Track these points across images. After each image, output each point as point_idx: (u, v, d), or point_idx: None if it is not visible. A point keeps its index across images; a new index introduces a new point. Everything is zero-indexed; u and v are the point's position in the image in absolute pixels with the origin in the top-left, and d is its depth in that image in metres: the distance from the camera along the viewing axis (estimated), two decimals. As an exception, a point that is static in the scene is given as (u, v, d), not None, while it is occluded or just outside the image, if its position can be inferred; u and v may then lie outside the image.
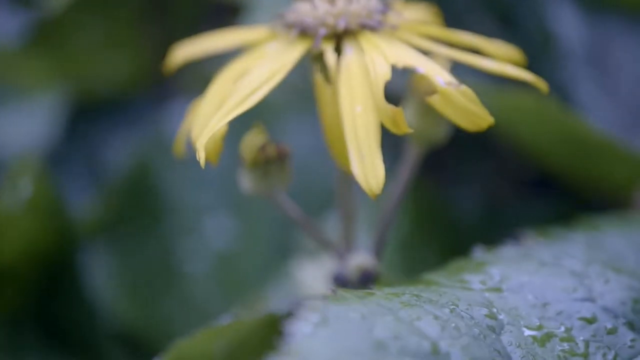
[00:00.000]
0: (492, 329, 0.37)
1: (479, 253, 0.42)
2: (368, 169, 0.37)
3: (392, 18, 0.42)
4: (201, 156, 0.37)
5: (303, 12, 0.41)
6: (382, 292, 0.36)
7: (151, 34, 0.76)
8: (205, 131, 0.38)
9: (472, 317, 0.36)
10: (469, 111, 0.39)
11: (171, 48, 0.45)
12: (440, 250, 0.63)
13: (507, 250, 0.42)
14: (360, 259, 0.44)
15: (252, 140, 0.42)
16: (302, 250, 0.58)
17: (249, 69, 0.40)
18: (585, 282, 0.40)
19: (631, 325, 0.39)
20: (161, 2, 0.78)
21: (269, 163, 0.43)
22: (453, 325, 0.35)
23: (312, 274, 0.50)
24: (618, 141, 0.56)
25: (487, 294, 0.38)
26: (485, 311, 0.37)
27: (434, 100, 0.39)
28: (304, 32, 0.41)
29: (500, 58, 0.44)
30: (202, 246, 0.67)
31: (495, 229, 0.65)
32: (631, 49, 0.72)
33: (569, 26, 0.72)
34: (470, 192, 0.67)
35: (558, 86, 0.71)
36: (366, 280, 0.44)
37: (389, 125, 0.38)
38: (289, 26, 0.41)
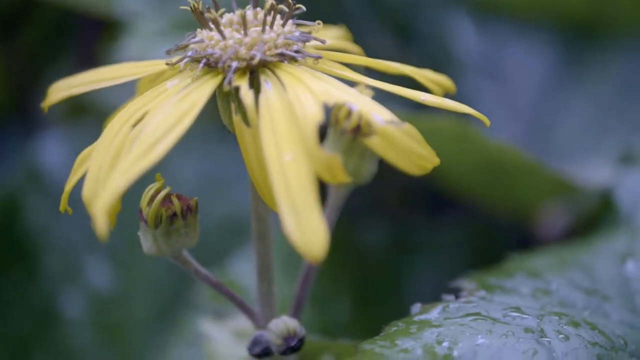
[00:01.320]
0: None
1: (417, 310, 0.37)
2: (306, 228, 0.31)
3: (312, 47, 0.36)
4: (100, 224, 0.31)
5: (209, 42, 0.35)
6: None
7: (9, 57, 0.68)
8: (103, 193, 0.31)
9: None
10: (413, 152, 0.33)
11: (50, 85, 0.38)
12: (352, 298, 0.57)
13: (453, 307, 0.37)
14: (284, 324, 0.38)
15: (153, 195, 0.36)
16: (203, 306, 0.51)
17: (148, 110, 0.34)
18: (544, 341, 0.35)
19: (603, 388, 0.34)
20: (15, 20, 0.70)
21: (174, 219, 0.36)
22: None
23: (221, 337, 0.44)
24: (533, 158, 0.52)
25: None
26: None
27: (372, 142, 0.33)
28: (212, 65, 0.35)
29: (430, 86, 0.39)
30: (81, 289, 0.60)
31: (405, 259, 0.61)
32: (521, 57, 0.70)
33: (466, 39, 0.69)
34: (375, 226, 0.63)
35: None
36: (292, 348, 0.38)
37: (325, 175, 0.32)
38: (193, 59, 0.35)
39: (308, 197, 0.31)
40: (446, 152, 0.57)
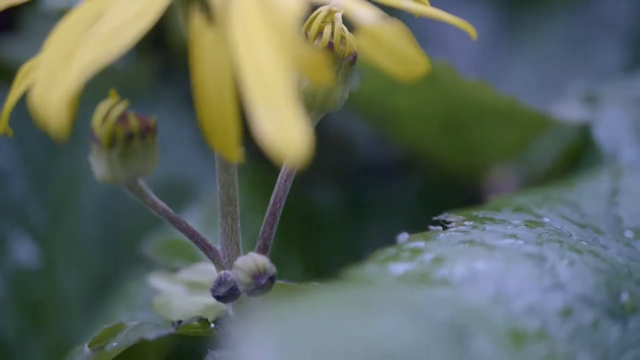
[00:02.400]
0: (454, 337, 0.28)
1: (404, 239, 0.33)
2: (284, 123, 0.27)
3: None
4: (54, 124, 0.26)
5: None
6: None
7: None
8: (54, 90, 0.27)
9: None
10: (403, 54, 0.30)
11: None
12: (304, 260, 0.54)
13: (444, 236, 0.33)
14: (253, 261, 0.34)
15: (108, 111, 0.32)
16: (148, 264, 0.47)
17: (103, 10, 0.30)
18: (547, 265, 0.32)
19: (613, 315, 0.31)
20: None
21: (131, 140, 0.32)
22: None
23: (175, 289, 0.40)
24: (510, 96, 0.49)
25: (438, 290, 0.29)
26: (446, 312, 0.28)
27: (360, 43, 0.30)
28: (176, -38, 0.31)
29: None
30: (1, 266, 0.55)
31: (357, 219, 0.58)
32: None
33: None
34: (326, 187, 0.59)
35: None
36: (262, 286, 0.34)
37: (308, 73, 0.28)
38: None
39: (285, 91, 0.28)
40: (405, 108, 0.54)
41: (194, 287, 0.40)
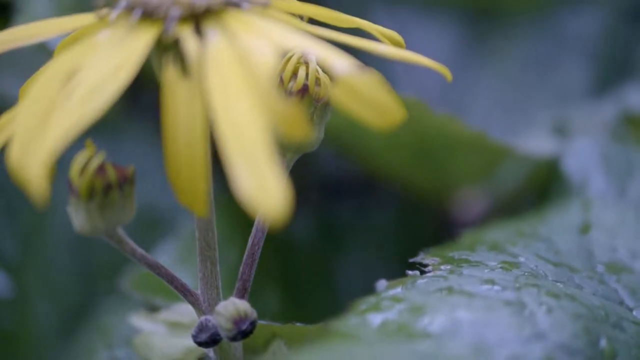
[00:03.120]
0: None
1: (383, 287, 0.34)
2: (263, 184, 0.27)
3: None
4: (35, 189, 0.26)
5: (145, -12, 0.31)
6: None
7: None
8: (38, 149, 0.27)
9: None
10: (379, 103, 0.30)
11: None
12: (281, 288, 0.54)
13: (422, 283, 0.33)
14: (234, 306, 0.34)
15: (86, 162, 0.32)
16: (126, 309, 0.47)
17: (78, 65, 0.30)
18: (526, 313, 0.32)
19: (593, 363, 0.31)
20: None
21: (110, 191, 0.32)
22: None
23: (156, 328, 0.40)
24: (477, 130, 0.50)
25: (420, 343, 0.29)
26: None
27: (334, 93, 0.30)
28: (149, 14, 0.31)
29: (383, 40, 0.36)
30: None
31: (333, 246, 0.58)
32: (426, 40, 0.68)
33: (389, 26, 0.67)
34: (300, 214, 0.59)
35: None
36: (244, 332, 0.34)
37: (285, 127, 0.28)
38: (128, 8, 0.31)
39: (264, 150, 0.28)
40: (377, 140, 0.54)
41: (175, 327, 0.40)
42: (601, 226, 0.41)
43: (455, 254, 0.38)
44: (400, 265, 0.58)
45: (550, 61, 0.65)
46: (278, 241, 0.56)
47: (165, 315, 0.40)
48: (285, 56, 0.33)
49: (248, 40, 0.30)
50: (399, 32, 0.70)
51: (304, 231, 0.58)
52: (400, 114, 0.30)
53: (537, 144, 0.50)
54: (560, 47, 0.65)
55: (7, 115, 0.32)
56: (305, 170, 0.62)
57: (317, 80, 0.35)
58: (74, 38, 0.34)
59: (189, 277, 0.49)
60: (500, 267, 0.36)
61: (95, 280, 0.56)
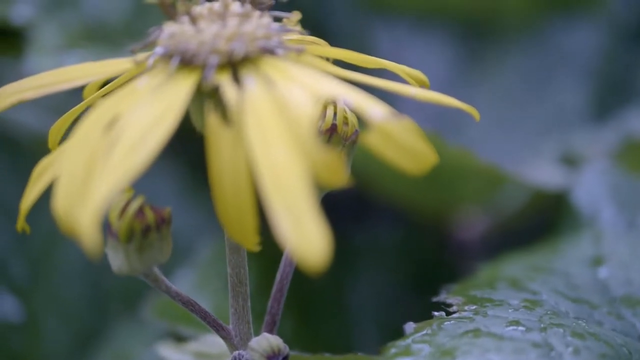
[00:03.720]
0: None
1: (411, 329, 0.35)
2: (307, 232, 0.28)
3: (292, 39, 0.33)
4: (89, 238, 0.27)
5: (182, 36, 0.32)
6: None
7: None
8: (88, 204, 0.28)
9: None
10: (414, 150, 0.31)
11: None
12: (294, 313, 0.55)
13: (449, 325, 0.34)
14: (267, 341, 0.35)
15: (124, 205, 0.33)
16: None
17: (119, 113, 0.31)
18: (553, 355, 0.33)
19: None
20: None
21: (148, 233, 0.33)
22: None
23: (183, 359, 0.40)
24: (491, 163, 0.50)
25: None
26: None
27: (369, 139, 0.30)
28: (188, 62, 0.32)
29: (409, 80, 0.37)
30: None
31: (343, 269, 0.59)
32: (422, 56, 0.69)
33: (377, 41, 0.67)
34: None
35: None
36: (277, 367, 0.35)
37: (323, 175, 0.29)
38: (167, 54, 0.32)
39: (306, 199, 0.29)
40: (389, 171, 0.55)
41: (203, 358, 0.41)
42: (614, 259, 0.42)
43: (478, 293, 0.39)
44: (410, 288, 0.59)
45: (547, 77, 0.66)
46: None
47: (193, 346, 0.41)
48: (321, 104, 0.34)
49: (285, 88, 0.30)
50: (396, 49, 0.71)
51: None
52: (433, 159, 0.31)
53: (545, 174, 0.51)
54: (556, 63, 0.66)
55: (45, 161, 0.33)
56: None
57: (345, 119, 0.36)
58: (97, 86, 0.35)
59: (207, 304, 0.50)
60: (524, 307, 0.37)
61: (106, 304, 0.57)
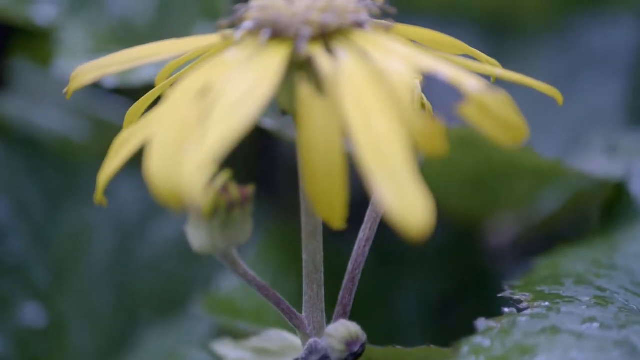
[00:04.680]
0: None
1: (483, 326, 0.34)
2: (410, 198, 0.28)
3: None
4: (195, 201, 0.27)
5: (274, 7, 0.32)
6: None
7: None
8: (187, 165, 0.27)
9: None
10: (509, 122, 0.30)
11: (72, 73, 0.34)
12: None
13: (523, 321, 0.34)
14: (346, 328, 0.34)
15: (211, 180, 0.32)
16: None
17: (211, 82, 0.30)
18: (636, 354, 0.32)
19: None
20: None
21: (232, 209, 0.32)
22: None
23: (243, 355, 0.39)
24: (552, 159, 0.50)
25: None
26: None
27: (466, 111, 0.30)
28: (279, 34, 0.31)
29: (483, 59, 0.36)
30: (6, 326, 0.54)
31: (386, 269, 0.58)
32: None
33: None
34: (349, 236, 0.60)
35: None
36: (355, 354, 0.34)
37: (423, 144, 0.29)
38: (257, 27, 0.31)
39: (407, 167, 0.28)
40: (431, 162, 0.54)
41: (263, 353, 0.40)
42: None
43: (545, 288, 0.38)
44: (452, 292, 0.58)
45: (575, 78, 0.65)
46: (333, 266, 0.56)
47: (253, 342, 0.40)
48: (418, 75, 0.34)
49: (380, 58, 0.30)
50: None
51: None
52: (526, 132, 0.31)
53: (601, 166, 0.50)
54: (584, 62, 0.65)
55: (126, 133, 0.32)
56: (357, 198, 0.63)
57: (423, 106, 0.36)
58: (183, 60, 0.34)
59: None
60: (595, 303, 0.36)
61: (135, 307, 0.56)
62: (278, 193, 0.65)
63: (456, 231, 0.59)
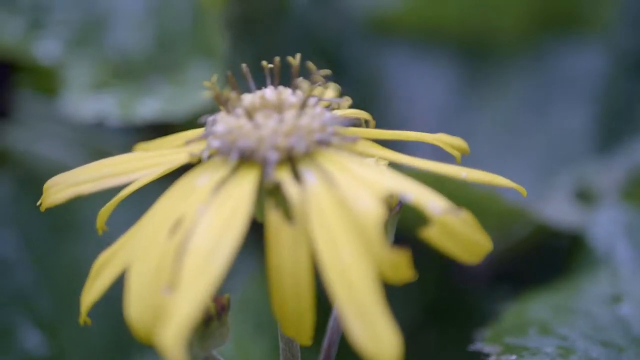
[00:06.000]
0: None
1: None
2: (378, 334, 0.29)
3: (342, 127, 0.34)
4: (176, 355, 0.28)
5: (239, 130, 0.32)
6: None
7: None
8: (171, 324, 0.28)
9: None
10: (471, 241, 0.32)
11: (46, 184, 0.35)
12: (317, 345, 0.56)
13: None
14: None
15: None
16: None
17: (184, 214, 0.31)
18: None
19: None
20: None
21: (210, 322, 0.34)
22: None
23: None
24: (518, 205, 0.51)
25: None
26: None
27: (428, 232, 0.31)
28: (246, 157, 0.32)
29: (449, 150, 0.38)
30: (10, 355, 0.56)
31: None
32: (423, 79, 0.70)
33: (389, 66, 0.68)
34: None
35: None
36: None
37: (389, 274, 0.30)
38: (224, 150, 0.32)
39: (375, 301, 0.30)
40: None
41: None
42: (632, 297, 0.43)
43: (512, 340, 0.40)
44: (423, 317, 0.59)
45: (547, 101, 0.67)
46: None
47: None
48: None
49: (347, 185, 0.31)
50: (398, 72, 0.71)
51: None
52: (488, 248, 0.32)
53: (561, 212, 0.52)
54: (556, 86, 0.66)
55: (106, 255, 0.33)
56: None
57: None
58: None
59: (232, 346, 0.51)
60: (559, 354, 0.39)
61: (129, 338, 0.57)
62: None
63: (430, 253, 0.60)
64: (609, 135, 0.62)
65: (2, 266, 0.57)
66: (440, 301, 0.59)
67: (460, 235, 0.31)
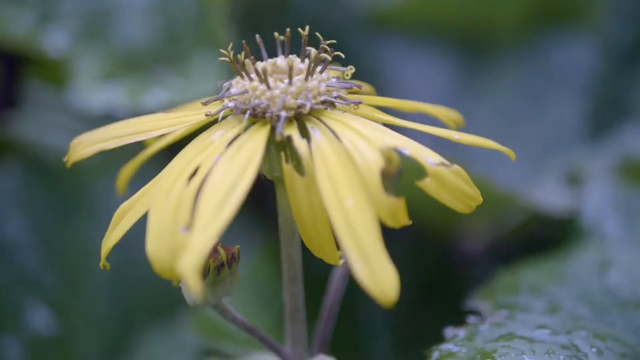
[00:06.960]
0: None
1: (451, 334, 0.39)
2: (378, 272, 0.32)
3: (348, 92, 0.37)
4: (193, 284, 0.31)
5: (253, 92, 0.35)
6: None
7: None
8: (190, 253, 0.31)
9: None
10: (463, 193, 0.35)
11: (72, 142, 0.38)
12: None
13: (485, 329, 0.39)
14: (324, 362, 0.39)
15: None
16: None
17: (201, 163, 0.34)
18: (581, 356, 0.37)
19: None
20: None
21: (221, 270, 0.37)
22: None
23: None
24: (510, 190, 0.54)
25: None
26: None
27: (425, 184, 0.34)
28: (258, 115, 0.35)
29: (445, 121, 0.41)
30: (19, 334, 0.59)
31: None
32: (421, 72, 0.73)
33: (388, 59, 0.71)
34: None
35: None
36: (334, 387, 0.38)
37: (387, 219, 0.33)
38: (238, 110, 0.35)
39: (375, 241, 0.32)
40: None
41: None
42: (620, 264, 0.46)
43: (505, 298, 0.43)
44: (417, 299, 0.62)
45: (542, 93, 0.69)
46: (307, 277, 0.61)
47: (241, 363, 0.44)
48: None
49: (350, 140, 0.34)
50: (397, 65, 0.74)
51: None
52: (479, 200, 0.35)
53: (552, 196, 0.54)
54: (551, 78, 0.69)
55: (125, 205, 0.36)
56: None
57: (390, 159, 0.40)
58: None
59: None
60: (547, 311, 0.42)
61: (135, 316, 0.60)
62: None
63: (422, 238, 0.63)
64: (601, 125, 0.65)
65: (11, 249, 0.60)
66: (435, 282, 0.61)
67: (452, 185, 0.34)
